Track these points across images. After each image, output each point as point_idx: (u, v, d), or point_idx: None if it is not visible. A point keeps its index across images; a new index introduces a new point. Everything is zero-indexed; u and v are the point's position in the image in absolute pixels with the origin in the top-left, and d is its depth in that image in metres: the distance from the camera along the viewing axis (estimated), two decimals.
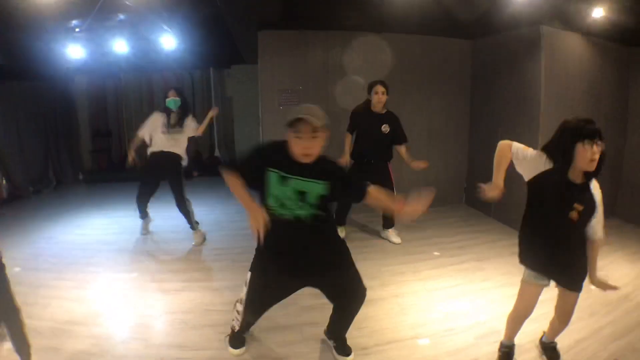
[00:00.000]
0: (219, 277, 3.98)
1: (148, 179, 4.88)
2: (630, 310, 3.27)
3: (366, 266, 4.03)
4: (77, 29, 5.51)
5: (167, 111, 4.73)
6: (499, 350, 2.64)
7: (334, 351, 2.76)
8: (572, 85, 4.89)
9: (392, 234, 4.80)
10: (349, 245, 2.62)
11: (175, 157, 4.78)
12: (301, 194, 2.25)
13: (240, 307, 2.57)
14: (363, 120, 4.51)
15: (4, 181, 6.59)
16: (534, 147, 2.55)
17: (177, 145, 4.77)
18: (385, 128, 4.46)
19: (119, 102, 9.31)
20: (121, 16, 5.16)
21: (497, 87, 5.44)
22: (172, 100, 4.68)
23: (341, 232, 4.61)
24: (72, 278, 3.92)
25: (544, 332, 2.73)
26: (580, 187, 2.14)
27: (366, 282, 3.50)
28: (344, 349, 2.73)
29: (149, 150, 4.80)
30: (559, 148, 2.11)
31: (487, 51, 5.73)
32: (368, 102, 4.49)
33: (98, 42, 6.11)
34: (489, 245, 4.64)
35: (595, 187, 2.18)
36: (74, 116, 9.05)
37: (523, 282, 2.40)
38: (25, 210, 6.40)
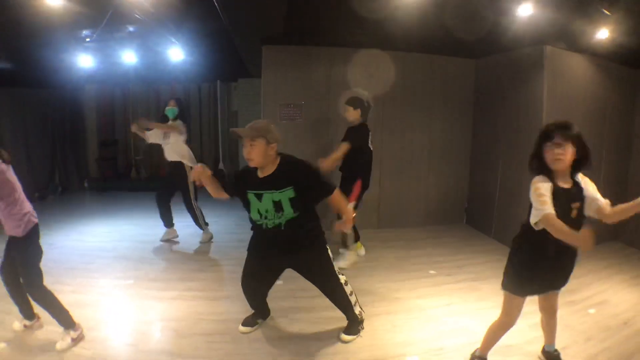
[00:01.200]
0: (213, 287, 4.00)
1: (160, 187, 5.25)
2: (629, 337, 3.19)
3: (361, 282, 4.05)
4: (87, 39, 5.62)
5: (164, 119, 4.95)
6: None
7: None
8: (575, 106, 4.89)
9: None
10: None
11: (178, 165, 4.96)
12: (276, 204, 2.66)
13: None
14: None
15: None
16: None
17: (174, 152, 4.94)
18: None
19: (126, 112, 9.44)
20: (130, 28, 5.27)
21: (499, 106, 5.46)
22: (170, 110, 4.88)
23: (360, 249, 4.81)
24: (70, 283, 3.98)
25: (544, 344, 2.83)
26: (572, 189, 2.25)
27: (359, 297, 3.54)
28: (348, 329, 3.10)
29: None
30: (534, 155, 2.24)
31: (490, 70, 5.76)
32: None
33: (108, 53, 6.24)
34: (488, 266, 4.58)
35: (585, 182, 2.29)
36: (82, 124, 9.20)
37: (511, 295, 2.44)
38: None
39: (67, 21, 4.47)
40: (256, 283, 3.09)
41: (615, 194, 5.27)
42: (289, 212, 2.66)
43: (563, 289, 2.52)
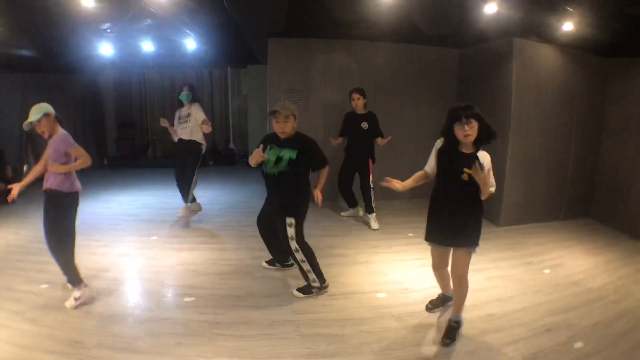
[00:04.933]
0: (225, 241, 4.75)
1: (178, 166, 5.45)
2: (576, 294, 3.58)
3: (348, 239, 4.80)
4: (108, 30, 6.11)
5: (179, 104, 5.35)
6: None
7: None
8: (543, 92, 5.34)
9: (372, 220, 5.38)
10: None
11: (193, 142, 5.30)
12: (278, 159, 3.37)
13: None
14: (349, 121, 5.35)
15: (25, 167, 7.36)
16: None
17: (193, 132, 5.29)
18: (364, 125, 5.24)
19: (142, 96, 10.16)
20: (149, 21, 5.80)
21: (478, 93, 5.94)
22: (185, 95, 5.25)
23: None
24: (100, 239, 4.68)
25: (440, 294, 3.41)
26: (469, 155, 2.71)
27: (345, 251, 4.22)
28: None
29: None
30: (445, 130, 2.79)
31: (470, 59, 6.29)
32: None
33: (127, 42, 6.70)
34: None
35: (483, 156, 2.74)
36: (101, 107, 9.91)
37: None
38: None
39: (92, 16, 4.92)
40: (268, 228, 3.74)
41: (587, 176, 5.75)
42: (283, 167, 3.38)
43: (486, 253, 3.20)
